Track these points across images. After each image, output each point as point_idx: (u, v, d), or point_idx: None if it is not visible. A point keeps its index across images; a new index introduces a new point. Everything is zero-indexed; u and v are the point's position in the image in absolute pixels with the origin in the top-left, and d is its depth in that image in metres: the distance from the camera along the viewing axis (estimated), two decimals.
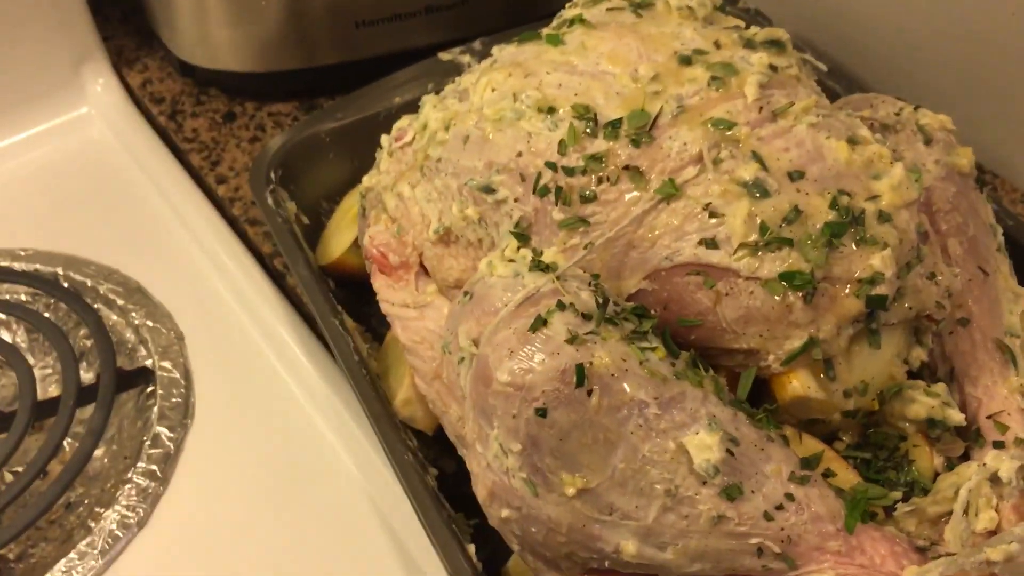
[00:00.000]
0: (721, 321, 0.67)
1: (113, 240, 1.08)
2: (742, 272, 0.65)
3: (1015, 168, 1.07)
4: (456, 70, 1.03)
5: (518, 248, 0.71)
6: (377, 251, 0.83)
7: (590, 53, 0.74)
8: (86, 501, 0.92)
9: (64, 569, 0.84)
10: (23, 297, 1.05)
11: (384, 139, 0.88)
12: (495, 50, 0.82)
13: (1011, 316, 0.75)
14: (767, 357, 0.67)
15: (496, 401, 0.63)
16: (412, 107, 0.93)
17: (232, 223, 1.09)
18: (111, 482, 0.92)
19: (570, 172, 0.70)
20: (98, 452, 0.94)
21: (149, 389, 0.97)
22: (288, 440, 0.92)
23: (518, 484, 0.64)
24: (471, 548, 0.73)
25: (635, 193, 0.68)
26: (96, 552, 0.84)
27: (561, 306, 0.64)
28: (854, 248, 0.65)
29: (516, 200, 0.72)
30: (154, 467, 0.90)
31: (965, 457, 0.71)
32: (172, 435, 0.92)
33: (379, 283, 0.83)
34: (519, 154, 0.72)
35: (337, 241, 0.97)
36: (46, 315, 1.03)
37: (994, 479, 0.62)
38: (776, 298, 0.65)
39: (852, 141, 0.69)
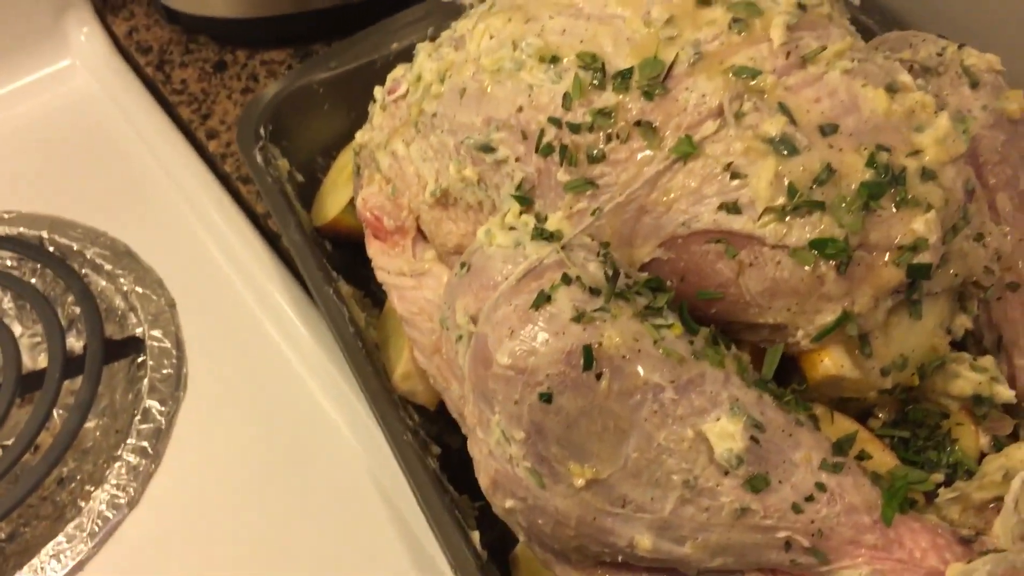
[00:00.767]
0: (744, 294, 0.60)
1: (100, 201, 1.03)
2: (768, 240, 0.58)
3: None
4: (458, 12, 0.95)
5: (520, 213, 0.65)
6: (371, 214, 0.77)
7: None
8: (78, 476, 0.88)
9: (52, 553, 0.80)
10: (8, 263, 1.00)
11: (377, 91, 0.81)
12: None
13: None
14: (796, 333, 0.61)
15: (497, 385, 0.58)
16: (410, 54, 0.86)
17: (224, 181, 1.03)
18: (103, 457, 0.88)
19: (576, 129, 0.63)
20: (90, 424, 0.91)
21: (140, 359, 0.92)
22: (285, 413, 0.88)
23: (523, 474, 0.59)
24: (475, 535, 0.68)
25: (648, 152, 0.61)
26: (85, 535, 0.81)
27: (567, 280, 0.58)
28: (894, 211, 0.58)
29: (517, 160, 0.66)
30: (144, 443, 0.86)
31: (1014, 436, 0.65)
32: (163, 409, 0.88)
33: (374, 249, 0.78)
34: (520, 109, 0.66)
35: (333, 200, 0.91)
36: (32, 281, 0.98)
37: None
38: (806, 268, 0.58)
39: (891, 89, 0.61)
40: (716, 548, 0.58)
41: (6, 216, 1.02)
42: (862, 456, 0.62)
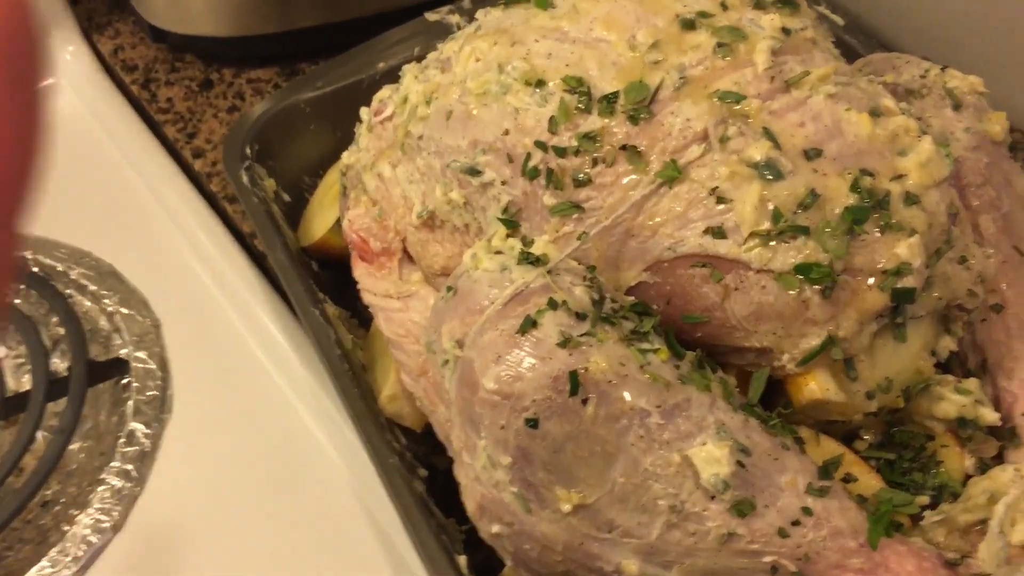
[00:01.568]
0: (730, 318, 0.60)
1: (85, 220, 1.02)
2: (753, 264, 0.59)
3: None
4: (445, 32, 0.95)
5: (506, 236, 0.65)
6: (357, 236, 0.77)
7: (583, 18, 0.67)
8: (62, 500, 0.87)
9: None
10: None
11: (364, 112, 0.81)
12: (480, 14, 0.75)
13: None
14: (781, 357, 0.61)
15: (483, 410, 0.58)
16: (397, 74, 0.86)
17: (210, 200, 1.03)
18: (87, 480, 0.87)
19: (561, 152, 0.63)
20: (74, 447, 0.89)
21: (125, 380, 0.92)
22: (271, 435, 0.87)
23: (509, 499, 0.59)
24: (462, 560, 0.68)
25: (633, 176, 0.62)
26: (69, 559, 0.80)
27: (552, 304, 0.58)
28: (878, 235, 0.58)
29: (503, 183, 0.66)
30: (129, 466, 0.85)
31: (999, 458, 0.66)
32: (148, 431, 0.87)
33: (360, 271, 0.77)
34: (506, 132, 0.66)
35: (320, 220, 0.91)
36: (16, 302, 0.97)
37: None
38: (791, 293, 0.58)
39: (875, 113, 0.62)
40: (703, 573, 0.58)
41: None
42: (848, 479, 0.62)
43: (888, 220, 0.58)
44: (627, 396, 0.56)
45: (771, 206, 0.58)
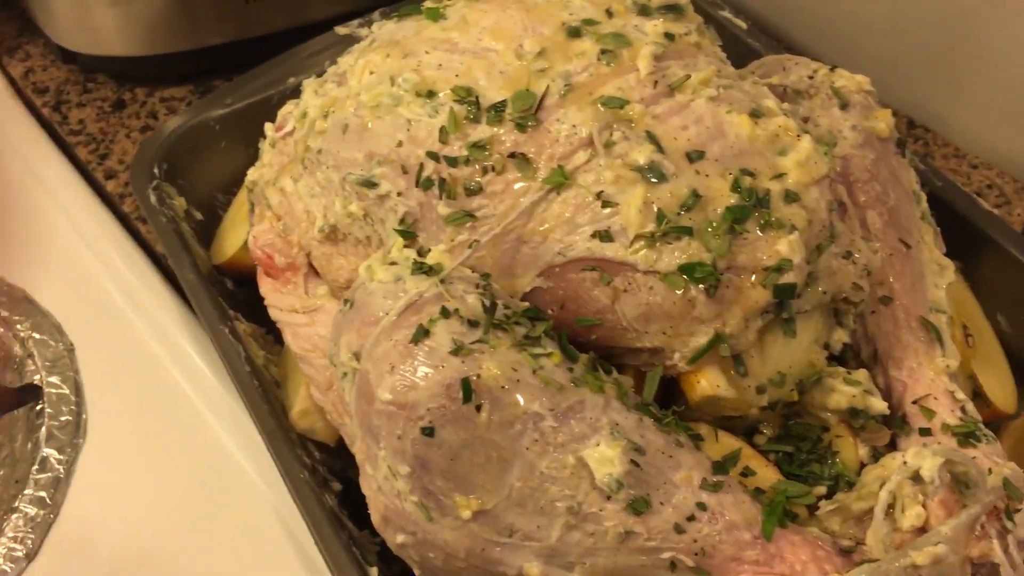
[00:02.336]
0: (621, 319, 0.61)
1: None
2: (639, 266, 0.60)
3: (947, 122, 1.02)
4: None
5: (404, 247, 0.65)
6: (262, 252, 0.77)
7: (472, 28, 0.67)
8: None
9: None
10: None
11: (268, 128, 0.81)
12: (375, 27, 0.75)
13: (936, 291, 0.71)
14: (672, 356, 0.62)
15: (380, 421, 0.58)
16: None
17: (124, 221, 1.02)
18: (1, 509, 0.86)
19: (453, 162, 0.64)
20: None
21: (39, 407, 0.90)
22: (188, 455, 0.86)
23: (411, 508, 0.59)
24: (374, 572, 0.68)
25: (523, 183, 0.62)
26: None
27: (445, 313, 0.58)
28: (759, 233, 0.60)
29: (399, 194, 0.66)
30: (42, 493, 0.84)
31: (892, 446, 0.67)
32: (61, 457, 0.86)
33: (266, 287, 0.77)
34: (399, 144, 0.66)
35: (231, 238, 0.91)
36: None
37: (916, 478, 0.57)
38: (677, 292, 0.59)
39: (755, 114, 0.63)
40: (604, 572, 0.59)
41: None
42: (746, 473, 0.63)
43: (768, 218, 0.60)
44: (520, 400, 0.57)
45: (655, 208, 0.59)
